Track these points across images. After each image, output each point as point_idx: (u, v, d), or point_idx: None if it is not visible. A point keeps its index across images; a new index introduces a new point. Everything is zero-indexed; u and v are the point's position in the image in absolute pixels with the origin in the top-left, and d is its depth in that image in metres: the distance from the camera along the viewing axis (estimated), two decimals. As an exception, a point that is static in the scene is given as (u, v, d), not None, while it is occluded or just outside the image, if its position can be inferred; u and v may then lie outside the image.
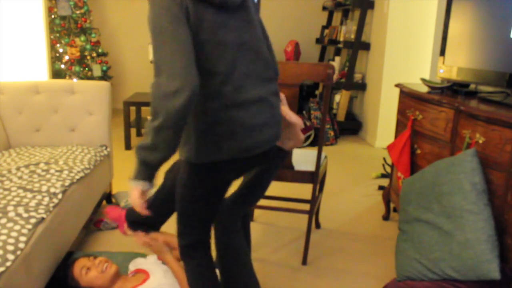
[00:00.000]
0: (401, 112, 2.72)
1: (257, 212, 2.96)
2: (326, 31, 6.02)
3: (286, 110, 1.66)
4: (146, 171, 1.39)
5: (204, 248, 1.62)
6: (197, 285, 1.62)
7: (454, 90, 2.46)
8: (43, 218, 1.77)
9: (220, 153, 1.39)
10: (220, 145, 1.38)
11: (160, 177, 1.73)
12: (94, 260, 1.88)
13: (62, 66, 5.07)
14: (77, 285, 1.83)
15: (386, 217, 2.95)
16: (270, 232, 2.72)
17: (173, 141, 1.28)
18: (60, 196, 1.98)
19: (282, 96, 1.71)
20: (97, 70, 5.21)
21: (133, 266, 2.03)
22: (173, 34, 1.23)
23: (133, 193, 1.39)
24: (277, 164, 1.74)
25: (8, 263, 1.45)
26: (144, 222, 1.98)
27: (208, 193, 1.52)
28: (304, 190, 3.36)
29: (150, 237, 1.94)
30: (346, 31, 5.28)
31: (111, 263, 1.89)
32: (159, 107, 1.23)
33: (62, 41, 5.08)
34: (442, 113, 2.22)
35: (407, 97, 2.61)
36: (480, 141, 1.88)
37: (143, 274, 1.92)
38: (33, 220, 1.71)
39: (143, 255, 2.25)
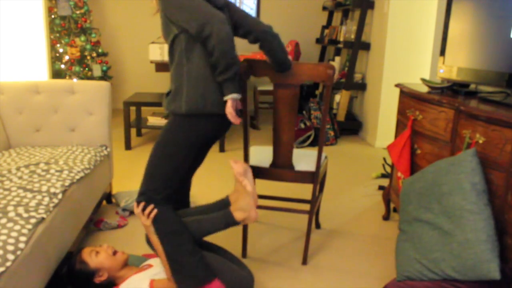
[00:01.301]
0: (401, 112, 2.72)
1: (257, 212, 2.96)
2: (326, 31, 6.02)
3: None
4: (236, 83, 1.82)
5: (171, 203, 1.91)
6: (168, 224, 1.87)
7: (454, 90, 2.46)
8: (43, 218, 1.77)
9: (203, 103, 1.82)
10: (206, 96, 1.83)
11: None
12: (101, 246, 1.96)
13: (62, 66, 5.07)
14: (86, 267, 1.87)
15: (386, 217, 2.95)
16: (270, 232, 2.72)
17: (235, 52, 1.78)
18: (60, 196, 1.98)
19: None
20: (97, 70, 5.21)
21: (145, 263, 2.08)
22: None
23: (230, 108, 1.83)
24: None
25: (8, 263, 1.45)
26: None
27: (193, 143, 1.87)
28: (304, 190, 3.36)
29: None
30: (346, 31, 5.28)
31: (123, 252, 1.98)
32: (214, 23, 1.71)
33: (62, 41, 5.08)
34: (442, 113, 2.22)
35: (407, 97, 2.61)
36: (480, 141, 1.88)
37: (148, 266, 1.98)
38: (33, 220, 1.71)
39: (143, 257, 2.25)
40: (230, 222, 1.91)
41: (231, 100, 1.82)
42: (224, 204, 2.00)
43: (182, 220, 1.91)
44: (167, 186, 1.88)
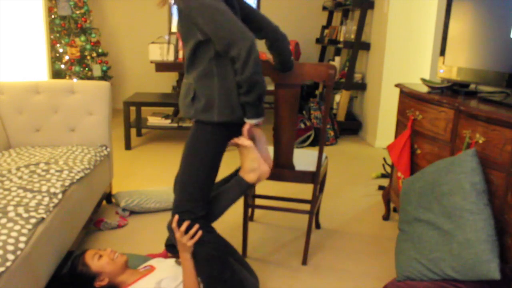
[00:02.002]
0: (401, 112, 2.72)
1: (257, 212, 2.96)
2: (326, 31, 6.02)
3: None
4: (258, 108, 1.75)
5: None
6: (214, 246, 1.82)
7: (454, 90, 2.46)
8: (43, 218, 1.77)
9: (233, 115, 1.75)
10: (234, 108, 1.75)
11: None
12: (105, 250, 1.94)
13: (62, 66, 5.07)
14: (87, 270, 1.85)
15: (386, 217, 2.95)
16: (270, 232, 2.72)
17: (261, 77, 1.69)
18: (60, 196, 1.98)
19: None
20: (97, 70, 5.21)
21: (145, 264, 2.06)
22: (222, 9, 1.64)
23: (245, 131, 1.79)
24: None
25: (8, 263, 1.45)
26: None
27: (219, 153, 1.81)
28: (304, 190, 3.37)
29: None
30: (346, 31, 5.28)
31: (122, 254, 1.94)
32: (243, 46, 1.61)
33: (62, 41, 5.08)
34: (442, 113, 2.22)
35: (407, 97, 2.61)
36: (480, 141, 1.88)
37: (149, 269, 1.95)
38: (33, 220, 1.71)
39: (143, 257, 2.25)
40: (244, 186, 1.88)
41: (249, 124, 1.78)
42: (234, 175, 1.98)
43: (226, 242, 1.88)
44: (207, 197, 1.82)
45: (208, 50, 1.71)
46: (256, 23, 1.93)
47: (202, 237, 1.78)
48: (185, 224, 1.76)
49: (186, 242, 1.77)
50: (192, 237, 1.77)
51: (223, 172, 2.00)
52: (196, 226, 1.77)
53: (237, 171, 1.99)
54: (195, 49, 1.74)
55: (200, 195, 1.79)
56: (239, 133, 1.82)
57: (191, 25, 1.69)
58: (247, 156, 1.87)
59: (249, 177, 1.89)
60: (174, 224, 1.79)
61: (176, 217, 1.79)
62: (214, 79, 1.73)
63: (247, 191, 1.91)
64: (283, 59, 2.06)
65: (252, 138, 1.87)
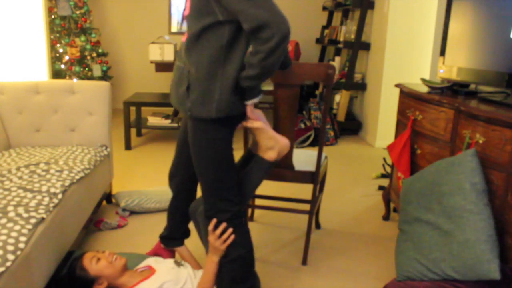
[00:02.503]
0: (401, 112, 2.72)
1: (257, 212, 2.96)
2: (326, 31, 6.02)
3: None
4: (260, 86, 1.65)
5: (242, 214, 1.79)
6: (247, 249, 1.77)
7: (454, 90, 2.46)
8: (43, 218, 1.77)
9: (233, 109, 1.63)
10: (235, 102, 1.62)
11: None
12: (103, 252, 1.90)
13: (62, 66, 5.07)
14: (86, 274, 1.83)
15: (386, 217, 2.95)
16: (270, 232, 2.72)
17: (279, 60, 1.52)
18: (60, 196, 1.98)
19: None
20: (97, 70, 5.21)
21: (143, 263, 2.04)
22: None
23: (250, 113, 1.68)
24: None
25: (8, 263, 1.45)
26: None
27: (229, 145, 1.72)
28: (304, 190, 3.36)
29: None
30: (346, 31, 5.28)
31: (120, 256, 1.91)
32: (278, 30, 1.43)
33: (62, 41, 5.08)
34: (442, 113, 2.22)
35: (407, 97, 2.61)
36: (480, 141, 1.88)
37: (149, 270, 1.93)
38: (33, 220, 1.71)
39: (142, 255, 2.25)
40: (266, 166, 1.83)
41: (251, 105, 1.67)
42: (249, 156, 1.91)
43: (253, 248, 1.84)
44: (234, 190, 1.74)
45: (221, 36, 1.54)
46: None
47: (236, 239, 1.73)
48: (221, 228, 1.71)
49: (219, 246, 1.74)
50: (225, 241, 1.74)
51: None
52: (230, 230, 1.72)
53: (249, 152, 1.94)
54: (205, 30, 1.54)
55: (228, 191, 1.72)
56: (242, 118, 1.73)
57: (212, 1, 1.50)
58: (261, 136, 1.80)
59: (268, 155, 1.83)
60: (210, 227, 1.74)
61: (214, 220, 1.73)
62: (219, 70, 1.57)
63: (270, 169, 1.85)
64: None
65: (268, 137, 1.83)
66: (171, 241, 2.09)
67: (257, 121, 1.74)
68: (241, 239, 1.75)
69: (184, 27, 4.60)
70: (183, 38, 1.68)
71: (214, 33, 1.54)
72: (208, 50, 1.56)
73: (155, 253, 2.16)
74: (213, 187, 1.71)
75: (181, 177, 1.98)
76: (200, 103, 1.60)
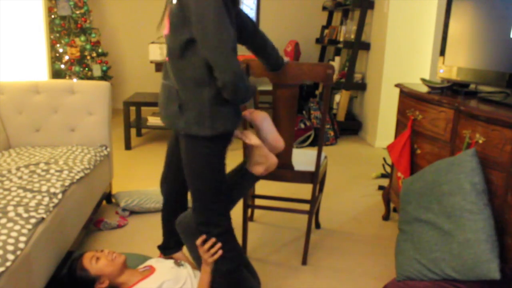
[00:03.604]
0: (401, 112, 2.72)
1: (257, 212, 2.96)
2: (326, 31, 6.02)
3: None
4: (247, 94, 1.61)
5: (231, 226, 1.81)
6: (236, 263, 1.79)
7: (454, 90, 2.46)
8: (43, 218, 1.77)
9: (227, 126, 1.64)
10: (228, 117, 1.64)
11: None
12: (102, 251, 1.90)
13: (62, 66, 5.07)
14: (87, 274, 1.83)
15: (386, 217, 2.95)
16: (270, 232, 2.72)
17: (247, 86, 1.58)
18: (60, 196, 1.98)
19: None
20: (97, 70, 5.21)
21: (144, 264, 2.05)
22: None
23: (258, 114, 1.81)
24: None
25: (8, 263, 1.45)
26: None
27: (221, 160, 1.73)
28: (304, 190, 3.36)
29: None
30: (346, 31, 5.28)
31: (119, 254, 1.91)
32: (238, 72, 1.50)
33: (62, 41, 5.08)
34: (442, 113, 2.22)
35: (407, 97, 2.61)
36: (480, 141, 1.88)
37: (149, 269, 1.93)
38: (33, 220, 1.71)
39: (144, 256, 2.25)
40: (251, 180, 1.86)
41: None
42: (241, 167, 1.95)
43: (244, 257, 1.86)
44: (226, 203, 1.78)
45: (199, 53, 1.54)
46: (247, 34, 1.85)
47: (225, 253, 1.75)
48: (209, 243, 1.73)
49: (207, 258, 1.76)
50: (213, 254, 1.75)
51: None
52: (218, 245, 1.74)
53: (243, 163, 1.97)
54: (184, 48, 1.54)
55: (220, 205, 1.75)
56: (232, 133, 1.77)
57: (185, 17, 1.50)
58: (255, 152, 1.85)
59: (256, 169, 1.87)
60: (199, 242, 1.76)
61: (203, 236, 1.74)
62: (205, 89, 1.57)
63: (254, 183, 1.89)
64: (271, 61, 2.03)
65: (252, 125, 1.86)
66: (167, 250, 2.10)
67: (256, 139, 1.79)
68: (230, 254, 1.77)
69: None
70: (167, 58, 1.66)
71: (193, 52, 1.54)
72: (190, 70, 1.57)
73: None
74: (207, 201, 1.72)
75: (170, 188, 1.98)
76: (194, 123, 1.61)
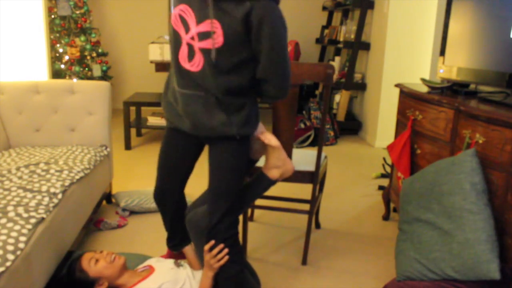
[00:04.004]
0: (401, 112, 2.72)
1: (257, 212, 2.96)
2: (326, 31, 6.02)
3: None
4: None
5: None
6: (241, 266, 1.80)
7: (454, 90, 2.46)
8: (43, 218, 1.77)
9: (257, 122, 1.74)
10: (257, 118, 1.74)
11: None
12: (101, 253, 1.89)
13: (62, 66, 5.07)
14: (86, 276, 1.82)
15: (386, 217, 2.95)
16: (270, 232, 2.72)
17: None
18: (60, 196, 1.98)
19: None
20: (97, 70, 5.21)
21: (144, 263, 2.04)
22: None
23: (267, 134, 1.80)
24: None
25: (8, 263, 1.45)
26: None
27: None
28: (304, 190, 3.36)
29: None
30: (346, 31, 5.28)
31: (119, 255, 1.90)
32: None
33: (62, 41, 5.08)
34: (442, 113, 2.22)
35: (407, 97, 2.61)
36: (480, 141, 1.88)
37: (148, 269, 1.93)
38: (33, 220, 1.71)
39: (144, 256, 2.25)
40: (267, 183, 1.87)
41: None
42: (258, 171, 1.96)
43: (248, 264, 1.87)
44: (236, 210, 1.79)
45: (250, 65, 1.59)
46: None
47: (232, 257, 1.75)
48: (217, 249, 1.73)
49: (213, 264, 1.76)
50: (220, 260, 1.75)
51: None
52: (226, 251, 1.74)
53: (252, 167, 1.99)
54: (236, 64, 1.56)
55: (235, 208, 1.76)
56: None
57: (246, 35, 1.51)
58: (273, 154, 1.85)
59: (272, 173, 1.87)
60: (207, 247, 1.75)
61: (212, 242, 1.74)
62: (249, 94, 1.66)
63: (269, 188, 1.89)
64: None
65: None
66: (175, 247, 2.08)
67: (276, 140, 1.80)
68: (235, 258, 1.78)
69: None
70: (193, 68, 1.59)
71: (245, 67, 1.58)
72: (237, 81, 1.59)
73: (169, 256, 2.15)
74: (228, 203, 1.73)
75: (169, 199, 1.94)
76: (244, 124, 1.66)
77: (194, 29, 1.54)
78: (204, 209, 1.78)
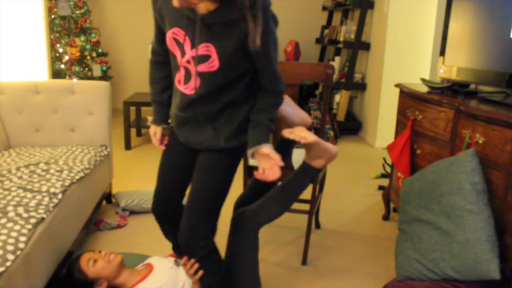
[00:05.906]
0: (401, 112, 2.72)
1: (257, 212, 2.96)
2: (326, 31, 6.02)
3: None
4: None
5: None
6: (220, 275, 1.78)
7: (454, 90, 2.46)
8: (43, 218, 1.77)
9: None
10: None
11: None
12: (99, 253, 1.89)
13: (62, 66, 5.07)
14: (85, 277, 1.82)
15: (386, 217, 2.95)
16: (270, 232, 2.72)
17: None
18: (60, 196, 1.98)
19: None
20: (97, 70, 5.21)
21: (144, 262, 2.03)
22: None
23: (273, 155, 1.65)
24: None
25: (8, 263, 1.45)
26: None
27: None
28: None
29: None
30: (346, 31, 5.28)
31: (116, 254, 1.90)
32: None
33: (62, 41, 5.08)
34: (442, 113, 2.22)
35: (407, 97, 2.61)
36: (480, 141, 1.88)
37: (147, 268, 1.92)
38: (33, 220, 1.71)
39: (144, 256, 2.25)
40: (312, 173, 1.85)
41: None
42: (255, 185, 1.96)
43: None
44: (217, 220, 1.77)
45: (245, 76, 1.60)
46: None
47: (206, 268, 1.74)
48: (189, 264, 1.74)
49: (191, 277, 1.78)
50: (195, 273, 1.76)
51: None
52: (196, 266, 1.73)
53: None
54: (237, 78, 1.58)
55: (218, 212, 1.74)
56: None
57: (243, 56, 1.52)
58: (314, 148, 1.82)
59: (316, 163, 1.85)
60: (183, 262, 1.78)
61: (192, 261, 1.75)
62: (245, 106, 1.65)
63: (316, 176, 1.86)
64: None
65: (288, 125, 1.87)
66: (178, 249, 2.07)
67: (311, 136, 1.75)
68: (213, 268, 1.75)
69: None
70: (187, 91, 1.60)
71: (239, 79, 1.59)
72: (233, 94, 1.60)
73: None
74: (215, 214, 1.73)
75: (168, 209, 1.91)
76: (232, 137, 1.66)
77: (189, 53, 1.53)
78: (254, 207, 1.83)
